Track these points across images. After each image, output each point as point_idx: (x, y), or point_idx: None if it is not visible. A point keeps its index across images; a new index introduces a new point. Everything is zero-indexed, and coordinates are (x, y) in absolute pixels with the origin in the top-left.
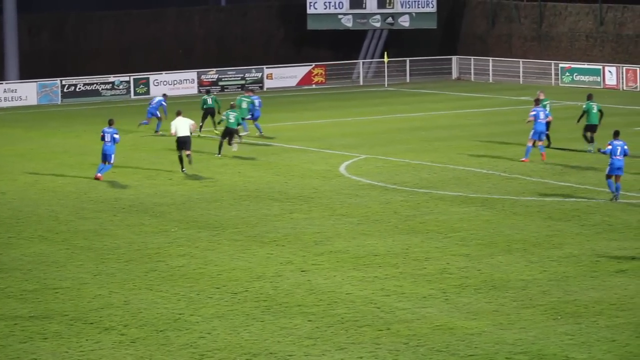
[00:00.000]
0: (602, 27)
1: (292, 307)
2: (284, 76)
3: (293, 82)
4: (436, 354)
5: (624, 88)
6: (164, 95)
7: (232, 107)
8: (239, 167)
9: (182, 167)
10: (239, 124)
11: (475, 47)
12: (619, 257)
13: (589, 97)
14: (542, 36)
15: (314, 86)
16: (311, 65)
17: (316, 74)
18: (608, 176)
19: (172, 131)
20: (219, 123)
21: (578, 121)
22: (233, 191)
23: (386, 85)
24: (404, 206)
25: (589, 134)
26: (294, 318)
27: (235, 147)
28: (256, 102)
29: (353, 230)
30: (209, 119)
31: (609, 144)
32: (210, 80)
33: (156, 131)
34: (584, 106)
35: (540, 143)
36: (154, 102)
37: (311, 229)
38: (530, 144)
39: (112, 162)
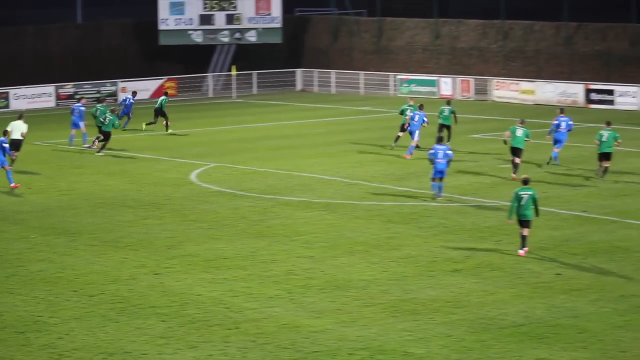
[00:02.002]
0: (438, 41)
1: (146, 308)
2: (138, 89)
3: (146, 95)
4: (282, 351)
5: (459, 97)
6: (134, 93)
7: (112, 111)
8: (94, 175)
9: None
10: (114, 126)
11: (318, 60)
12: (454, 258)
13: (447, 103)
14: (381, 49)
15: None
16: (163, 78)
17: (168, 87)
18: (432, 179)
19: (8, 129)
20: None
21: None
22: (89, 199)
23: (234, 97)
24: (252, 211)
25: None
26: (147, 319)
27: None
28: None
29: (203, 234)
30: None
31: (432, 149)
32: (67, 93)
33: (124, 129)
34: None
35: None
36: (126, 102)
37: (164, 234)
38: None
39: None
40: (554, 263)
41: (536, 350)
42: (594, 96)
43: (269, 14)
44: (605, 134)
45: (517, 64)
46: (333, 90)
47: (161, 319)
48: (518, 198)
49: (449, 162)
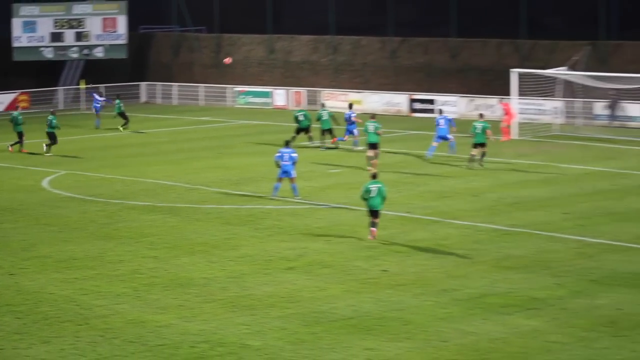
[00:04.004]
0: (272, 55)
1: (2, 306)
2: None
3: (1, 108)
4: (129, 344)
5: (292, 108)
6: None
7: (52, 113)
8: None
9: None
10: (52, 127)
11: (161, 74)
12: (288, 256)
13: (322, 105)
14: (219, 64)
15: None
16: (17, 92)
17: (21, 100)
18: (278, 179)
19: None
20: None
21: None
22: None
23: (83, 109)
24: (100, 215)
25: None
26: (3, 316)
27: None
28: None
29: (55, 237)
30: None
31: (279, 152)
32: None
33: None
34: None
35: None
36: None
37: (18, 237)
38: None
39: None
40: (380, 260)
41: (364, 341)
42: (417, 105)
43: (115, 32)
44: (479, 125)
45: (345, 76)
46: (175, 101)
47: (16, 316)
48: (367, 190)
49: (294, 163)
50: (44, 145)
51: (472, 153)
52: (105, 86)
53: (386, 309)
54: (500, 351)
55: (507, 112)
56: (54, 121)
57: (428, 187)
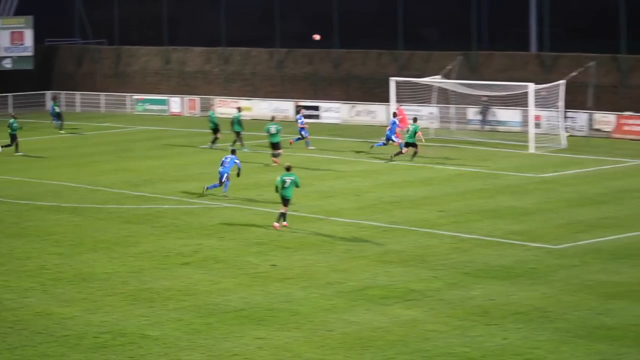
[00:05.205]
0: (168, 65)
1: None
2: None
3: None
4: (37, 335)
5: (186, 114)
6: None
7: (13, 117)
8: None
9: None
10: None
11: (65, 83)
12: (184, 252)
13: (238, 109)
14: (119, 74)
15: None
16: None
17: None
18: (221, 182)
19: None
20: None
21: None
22: None
23: None
24: (8, 215)
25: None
26: None
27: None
28: None
29: None
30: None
31: (225, 157)
32: None
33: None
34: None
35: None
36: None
37: None
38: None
39: None
40: (270, 256)
41: (255, 330)
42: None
43: (22, 44)
44: (411, 128)
45: (236, 85)
46: (78, 109)
47: None
48: (282, 181)
49: (234, 168)
50: (6, 147)
51: (404, 151)
52: (13, 95)
53: (275, 300)
54: (382, 339)
55: (402, 119)
56: (15, 124)
57: (313, 188)
